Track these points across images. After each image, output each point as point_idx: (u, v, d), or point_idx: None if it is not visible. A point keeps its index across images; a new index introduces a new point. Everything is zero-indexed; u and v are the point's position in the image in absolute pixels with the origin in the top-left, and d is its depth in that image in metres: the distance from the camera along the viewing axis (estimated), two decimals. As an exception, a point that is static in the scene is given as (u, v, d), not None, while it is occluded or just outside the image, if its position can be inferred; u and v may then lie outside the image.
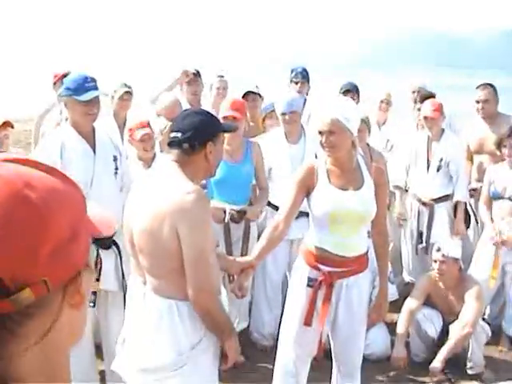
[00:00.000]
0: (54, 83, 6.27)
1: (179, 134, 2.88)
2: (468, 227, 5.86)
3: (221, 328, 2.87)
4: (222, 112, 4.71)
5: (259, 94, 5.90)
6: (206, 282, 2.75)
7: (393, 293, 5.31)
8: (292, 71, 6.35)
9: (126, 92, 5.82)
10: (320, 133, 3.46)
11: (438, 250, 4.95)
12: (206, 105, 6.08)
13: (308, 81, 6.31)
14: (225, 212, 4.70)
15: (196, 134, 2.86)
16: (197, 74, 6.21)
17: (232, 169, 4.67)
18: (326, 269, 3.57)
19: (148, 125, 4.88)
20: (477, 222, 5.91)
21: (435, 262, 4.94)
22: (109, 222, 1.14)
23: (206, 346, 2.86)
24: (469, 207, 5.87)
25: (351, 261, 3.56)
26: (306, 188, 3.57)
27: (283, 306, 3.93)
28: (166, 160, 2.96)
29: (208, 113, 3.05)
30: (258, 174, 4.86)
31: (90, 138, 4.09)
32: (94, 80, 4.03)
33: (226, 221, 4.70)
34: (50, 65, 9.24)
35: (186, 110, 3.11)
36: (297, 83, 6.20)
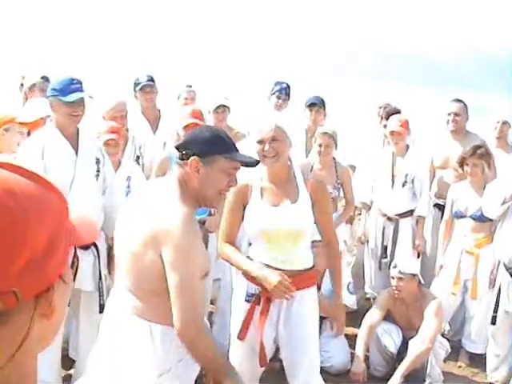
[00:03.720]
0: (21, 84, 6.19)
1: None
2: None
3: (212, 366, 2.62)
4: (182, 120, 4.68)
5: (228, 107, 5.90)
6: (193, 313, 2.52)
7: (352, 303, 5.30)
8: (276, 84, 6.35)
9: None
10: (261, 142, 3.38)
11: (395, 266, 4.96)
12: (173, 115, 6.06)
13: (289, 99, 6.35)
14: None
15: (186, 144, 2.69)
16: (150, 81, 6.13)
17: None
18: None
19: (117, 131, 4.83)
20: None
21: (393, 278, 4.94)
22: (92, 229, 1.12)
23: (176, 376, 2.66)
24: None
25: (292, 275, 3.39)
26: (243, 206, 3.50)
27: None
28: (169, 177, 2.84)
29: (215, 131, 2.81)
30: None
31: (73, 139, 4.07)
32: (79, 82, 4.03)
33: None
34: (15, 66, 9.13)
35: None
36: (279, 98, 6.23)
